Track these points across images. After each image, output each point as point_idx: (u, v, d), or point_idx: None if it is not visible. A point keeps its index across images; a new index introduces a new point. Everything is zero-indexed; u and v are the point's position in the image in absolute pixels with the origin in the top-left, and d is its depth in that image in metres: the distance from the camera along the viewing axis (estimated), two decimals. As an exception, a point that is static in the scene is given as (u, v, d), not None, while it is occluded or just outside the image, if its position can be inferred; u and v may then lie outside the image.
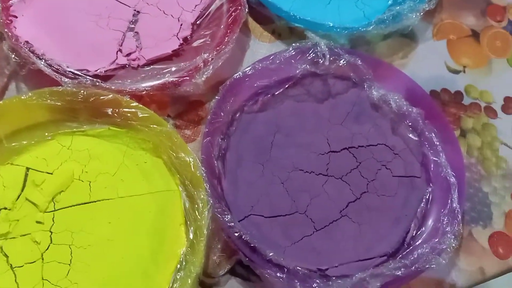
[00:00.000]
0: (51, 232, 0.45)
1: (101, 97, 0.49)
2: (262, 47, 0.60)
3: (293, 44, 0.54)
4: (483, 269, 0.50)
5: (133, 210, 0.47)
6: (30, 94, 0.48)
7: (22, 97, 0.48)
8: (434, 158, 0.51)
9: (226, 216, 0.45)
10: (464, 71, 0.60)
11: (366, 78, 0.55)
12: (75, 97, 0.49)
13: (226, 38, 0.55)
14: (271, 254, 0.44)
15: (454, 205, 0.48)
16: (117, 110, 0.49)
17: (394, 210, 0.50)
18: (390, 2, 0.62)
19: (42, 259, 0.44)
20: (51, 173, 0.48)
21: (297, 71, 0.55)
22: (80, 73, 0.51)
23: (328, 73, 0.56)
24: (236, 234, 0.44)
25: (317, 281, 0.43)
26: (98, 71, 0.53)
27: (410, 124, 0.54)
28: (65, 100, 0.49)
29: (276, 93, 0.55)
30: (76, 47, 0.55)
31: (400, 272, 0.43)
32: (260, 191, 0.50)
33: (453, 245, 0.45)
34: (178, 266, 0.44)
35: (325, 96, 0.56)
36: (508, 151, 0.56)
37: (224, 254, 0.47)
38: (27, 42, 0.53)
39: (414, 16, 0.57)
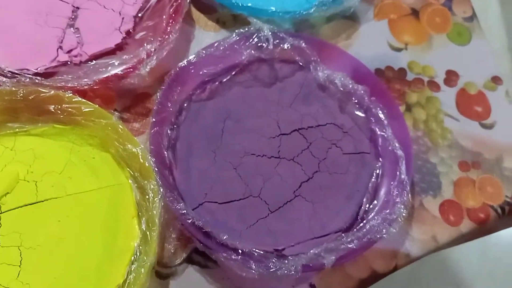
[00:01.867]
0: (-2, 235, 0.44)
1: (42, 94, 0.47)
2: (207, 36, 0.60)
3: (237, 31, 0.54)
4: (436, 237, 0.51)
5: (83, 207, 0.46)
6: (-34, 96, 0.46)
7: (-41, 101, 0.46)
8: (381, 133, 0.52)
9: (179, 204, 0.45)
10: (406, 49, 0.62)
11: (312, 60, 0.56)
12: (14, 96, 0.47)
13: (169, 28, 0.54)
14: (225, 237, 0.44)
15: (403, 177, 0.49)
16: (59, 107, 0.48)
17: (346, 187, 0.51)
18: (331, -15, 0.63)
19: (-10, 262, 0.43)
20: (-5, 176, 0.46)
21: (243, 57, 0.55)
22: (19, 72, 0.50)
23: (274, 57, 0.56)
24: (189, 221, 0.44)
25: (273, 260, 0.43)
26: (39, 69, 0.52)
27: (356, 101, 0.55)
28: (4, 100, 0.47)
29: (224, 80, 0.55)
30: (14, 47, 0.54)
31: (353, 245, 0.44)
32: (213, 178, 0.50)
33: (403, 214, 0.46)
34: (133, 258, 0.44)
35: (273, 80, 0.56)
36: (452, 122, 0.57)
37: (179, 243, 0.47)
38: (-39, 43, 0.51)
39: (354, -2, 0.58)
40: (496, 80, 0.61)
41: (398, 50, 0.62)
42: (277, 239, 0.47)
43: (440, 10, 0.65)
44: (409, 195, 0.48)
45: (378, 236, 0.45)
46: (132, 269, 0.43)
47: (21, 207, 0.45)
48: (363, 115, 0.54)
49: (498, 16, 0.69)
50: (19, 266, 0.43)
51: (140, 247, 0.44)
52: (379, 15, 0.64)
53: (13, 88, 0.47)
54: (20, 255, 0.43)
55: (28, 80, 0.49)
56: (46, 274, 0.43)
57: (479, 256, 0.51)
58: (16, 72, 0.50)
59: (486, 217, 0.52)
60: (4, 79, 0.49)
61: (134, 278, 0.42)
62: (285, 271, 0.42)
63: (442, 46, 0.62)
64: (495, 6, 0.68)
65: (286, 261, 0.43)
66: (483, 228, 0.52)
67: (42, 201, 0.46)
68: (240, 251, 0.44)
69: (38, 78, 0.49)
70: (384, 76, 0.59)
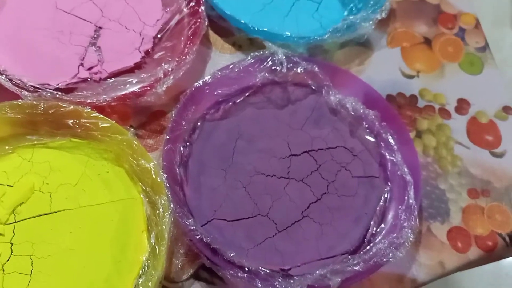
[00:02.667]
0: (12, 244, 0.45)
1: (61, 109, 0.49)
2: (223, 58, 0.61)
3: (252, 54, 0.56)
4: (443, 263, 0.51)
5: (95, 219, 0.47)
6: (-11, 108, 0.48)
7: (-18, 112, 0.48)
8: (390, 158, 0.53)
9: (188, 220, 0.46)
10: (418, 76, 0.63)
11: (324, 84, 0.57)
12: (35, 110, 0.49)
13: (186, 49, 0.56)
14: (232, 254, 0.44)
15: (411, 201, 0.49)
16: (77, 121, 0.49)
17: (354, 209, 0.51)
18: (345, 13, 0.64)
19: (3, 270, 0.43)
20: (12, 186, 0.48)
21: (257, 80, 0.56)
22: (40, 87, 0.52)
23: (287, 80, 0.58)
24: (198, 237, 0.45)
25: (279, 279, 0.43)
26: (60, 85, 0.54)
27: (367, 126, 0.55)
28: (25, 113, 0.49)
29: (237, 101, 0.56)
30: (37, 63, 0.56)
31: (359, 267, 0.44)
32: (223, 196, 0.51)
33: (410, 239, 0.46)
34: (141, 272, 0.45)
35: (285, 103, 0.57)
36: (462, 149, 0.58)
37: (187, 259, 0.47)
38: (-13, 59, 0.54)
39: (367, 25, 0.60)
40: (507, 109, 0.61)
41: (410, 77, 0.62)
42: (284, 259, 0.48)
43: (452, 39, 0.66)
44: (417, 220, 0.48)
45: (385, 259, 0.45)
46: (140, 283, 0.43)
47: (35, 217, 0.47)
48: (373, 139, 0.55)
49: None
50: (30, 275, 0.44)
51: (149, 261, 0.44)
52: (392, 42, 0.65)
53: (34, 102, 0.49)
54: (31, 264, 0.44)
55: (49, 94, 0.51)
56: (56, 284, 0.44)
57: (489, 284, 0.50)
58: (38, 86, 0.52)
59: (494, 245, 0.52)
60: (26, 93, 0.51)
61: (141, 291, 0.42)
62: (291, 291, 0.43)
63: (454, 74, 0.63)
64: (510, 37, 0.69)
65: (291, 281, 0.44)
66: (491, 255, 0.52)
67: (56, 212, 0.47)
68: (246, 269, 0.44)
69: (59, 93, 0.51)
70: (396, 102, 0.60)
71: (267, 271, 0.45)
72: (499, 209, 0.54)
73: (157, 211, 0.46)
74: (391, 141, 0.53)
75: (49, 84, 0.53)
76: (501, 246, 0.52)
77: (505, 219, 0.54)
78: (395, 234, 0.47)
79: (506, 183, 0.56)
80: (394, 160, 0.52)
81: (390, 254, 0.45)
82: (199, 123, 0.54)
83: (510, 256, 0.50)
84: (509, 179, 0.56)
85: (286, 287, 0.43)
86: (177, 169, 0.51)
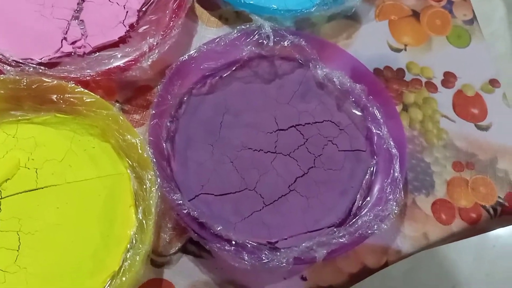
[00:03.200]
0: (-2, 220, 0.45)
1: (45, 84, 0.49)
2: (209, 32, 0.61)
3: (238, 27, 0.55)
4: (427, 234, 0.52)
5: (82, 195, 0.47)
6: (-29, 84, 0.47)
7: (-37, 88, 0.47)
8: (377, 132, 0.53)
9: (175, 194, 0.46)
10: (406, 49, 0.62)
11: (312, 58, 0.56)
12: (18, 85, 0.48)
13: (172, 23, 0.55)
14: (219, 228, 0.45)
15: (396, 175, 0.50)
16: (61, 97, 0.49)
17: (340, 183, 0.52)
18: (333, -15, 0.64)
19: (-10, 246, 0.44)
20: (-4, 162, 0.47)
21: (244, 53, 0.56)
22: (23, 62, 0.51)
23: (274, 54, 0.57)
24: (185, 212, 0.45)
25: (266, 252, 0.44)
26: (43, 59, 0.53)
27: (354, 100, 0.55)
28: (8, 88, 0.49)
29: (224, 75, 0.56)
30: (20, 38, 0.55)
31: (345, 239, 0.45)
32: (210, 170, 0.51)
33: (395, 211, 0.47)
34: (128, 246, 0.45)
35: (272, 77, 0.57)
36: (448, 123, 0.58)
37: (175, 233, 0.48)
38: (-33, 32, 0.52)
39: (355, -2, 0.59)
40: (493, 83, 0.61)
41: (398, 50, 0.62)
42: (271, 232, 0.48)
43: (440, 12, 0.66)
44: (402, 192, 0.48)
45: (370, 231, 0.45)
46: (128, 257, 0.44)
47: (21, 193, 0.47)
48: (359, 113, 0.55)
49: (503, 20, 0.69)
50: (17, 250, 0.44)
51: (136, 235, 0.45)
52: (380, 15, 0.64)
53: (17, 77, 0.49)
54: (19, 240, 0.44)
55: (32, 69, 0.50)
56: (43, 259, 0.44)
57: (476, 256, 0.52)
58: (20, 61, 0.51)
59: (478, 217, 0.53)
60: (9, 68, 0.50)
61: (129, 265, 0.43)
62: (277, 263, 0.43)
63: (441, 48, 0.63)
64: (500, 11, 0.69)
65: (278, 254, 0.44)
66: (475, 228, 0.53)
67: (42, 188, 0.47)
68: (233, 242, 0.45)
69: (42, 68, 0.50)
70: (383, 76, 0.60)
71: (254, 244, 0.45)
72: (483, 182, 0.55)
73: (144, 186, 0.46)
74: (378, 114, 0.54)
75: (32, 59, 0.53)
76: (485, 218, 0.53)
77: (489, 192, 0.54)
78: (380, 207, 0.48)
79: (490, 156, 0.56)
80: (380, 133, 0.53)
81: (375, 226, 0.46)
82: (185, 98, 0.54)
83: (493, 229, 0.52)
84: (493, 151, 0.57)
85: (273, 259, 0.44)
86: (164, 144, 0.50)
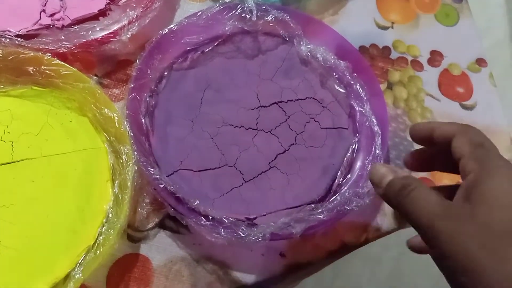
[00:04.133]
0: (-28, 193, 0.44)
1: (21, 55, 0.47)
2: (192, 6, 0.59)
3: (221, 1, 0.54)
4: (408, 213, 0.51)
5: (58, 169, 0.47)
6: None
7: None
8: (360, 109, 0.53)
9: (152, 169, 0.45)
10: (393, 27, 0.61)
11: (296, 34, 0.55)
12: (-6, 56, 0.47)
13: (153, -5, 0.54)
14: (196, 203, 0.44)
15: (377, 152, 0.49)
16: (38, 69, 0.48)
17: (321, 160, 0.51)
18: (320, -40, 0.62)
19: (-37, 219, 0.43)
20: (-29, 134, 0.47)
21: (226, 28, 0.55)
22: (0, 33, 0.50)
23: (257, 30, 0.56)
24: (162, 186, 0.45)
25: (242, 228, 0.44)
26: (20, 31, 0.52)
27: (337, 77, 0.55)
28: (-17, 60, 0.48)
29: (206, 50, 0.55)
30: (-3, 9, 0.53)
31: (323, 216, 0.45)
32: (190, 146, 0.50)
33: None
34: (104, 220, 0.45)
35: (255, 53, 0.56)
36: (433, 102, 0.57)
37: (152, 208, 0.47)
38: None
39: (342, -27, 0.58)
40: (480, 62, 0.61)
41: (384, 28, 0.61)
42: (250, 208, 0.48)
43: (429, -11, 0.65)
44: (383, 170, 0.48)
45: (348, 208, 0.45)
46: (103, 231, 0.43)
47: (-4, 166, 0.46)
48: (343, 90, 0.54)
49: (502, 7, 0.68)
50: (-8, 223, 0.43)
51: (112, 209, 0.44)
52: (367, -8, 0.63)
53: (-7, 49, 0.47)
54: (-7, 213, 0.44)
55: (8, 41, 0.49)
56: (19, 233, 0.44)
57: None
58: (-4, 33, 0.50)
59: (459, 195, 0.52)
60: (-16, 39, 0.49)
61: (103, 239, 0.43)
62: (253, 238, 0.43)
63: (429, 26, 0.62)
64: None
65: (255, 229, 0.44)
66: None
67: (18, 161, 0.46)
68: (210, 217, 0.44)
69: (19, 39, 0.49)
70: (368, 54, 0.59)
71: (232, 219, 0.45)
72: (465, 161, 0.54)
73: (121, 161, 0.45)
74: (361, 92, 0.53)
75: (9, 31, 0.51)
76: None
77: (471, 170, 0.54)
78: (360, 184, 0.47)
79: (474, 135, 0.56)
80: (363, 111, 0.52)
81: (354, 203, 0.45)
82: (166, 73, 0.53)
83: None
84: (477, 131, 0.56)
85: (249, 234, 0.43)
86: (143, 119, 0.50)
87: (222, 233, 0.43)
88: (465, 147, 0.33)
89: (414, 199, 0.33)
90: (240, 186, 0.49)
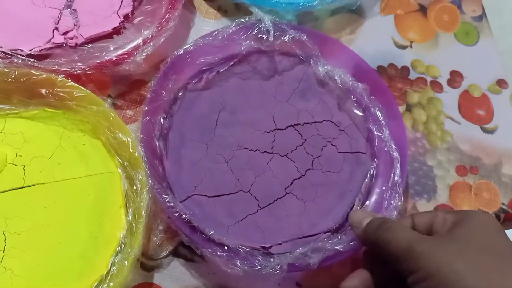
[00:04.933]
0: (-17, 219, 0.43)
1: (34, 77, 0.47)
2: (207, 24, 0.58)
3: (237, 20, 0.53)
4: (427, 241, 0.50)
5: (71, 194, 0.46)
6: (-43, 76, 0.46)
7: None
8: (378, 134, 0.51)
9: (166, 196, 0.44)
10: (411, 46, 0.60)
11: (313, 54, 0.54)
12: (6, 78, 0.47)
13: (168, 14, 0.53)
14: (211, 233, 0.43)
15: (396, 179, 0.48)
16: (51, 91, 0.47)
17: (339, 186, 0.50)
18: (337, -22, 0.61)
19: (-26, 246, 0.42)
20: (-17, 158, 0.46)
21: (242, 48, 0.54)
22: (12, 53, 0.49)
23: (274, 50, 0.55)
24: (176, 214, 0.44)
25: (259, 258, 0.43)
26: (33, 50, 0.51)
27: (355, 99, 0.53)
28: (-4, 81, 0.47)
29: (221, 70, 0.54)
30: (9, 27, 0.53)
31: (340, 247, 0.43)
32: (204, 170, 0.49)
33: (394, 217, 0.45)
34: (118, 249, 0.44)
35: (271, 73, 0.55)
36: (453, 124, 0.56)
37: (166, 236, 0.46)
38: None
39: (360, -9, 0.57)
40: (501, 83, 0.59)
41: (403, 47, 0.60)
42: (265, 236, 0.47)
43: (448, 8, 0.63)
44: (402, 197, 0.47)
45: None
46: (116, 261, 0.42)
47: (8, 191, 0.45)
48: (361, 113, 0.53)
49: None
50: (3, 251, 0.42)
51: (125, 238, 0.43)
52: (385, 10, 0.62)
53: (5, 69, 0.47)
54: (5, 240, 0.43)
55: (20, 61, 0.48)
56: (30, 261, 0.43)
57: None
58: (9, 52, 0.49)
59: (480, 225, 0.51)
60: (-3, 59, 0.48)
61: (117, 270, 0.42)
62: (270, 270, 0.42)
63: (448, 45, 0.61)
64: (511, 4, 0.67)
65: (271, 260, 0.43)
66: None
67: (30, 186, 0.46)
68: (226, 247, 0.43)
69: (31, 60, 0.49)
70: (386, 74, 0.58)
71: (247, 249, 0.44)
72: (487, 187, 0.53)
73: (134, 187, 0.44)
74: (380, 116, 0.51)
75: (21, 50, 0.51)
76: (487, 225, 0.51)
77: (493, 197, 0.53)
78: (379, 213, 0.46)
79: (495, 160, 0.54)
80: (382, 136, 0.51)
81: (373, 234, 0.44)
82: (180, 93, 0.52)
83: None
84: (498, 155, 0.55)
85: (266, 266, 0.42)
86: (157, 142, 0.49)
87: (239, 264, 0.42)
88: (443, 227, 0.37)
89: (392, 229, 0.36)
90: (255, 213, 0.48)
